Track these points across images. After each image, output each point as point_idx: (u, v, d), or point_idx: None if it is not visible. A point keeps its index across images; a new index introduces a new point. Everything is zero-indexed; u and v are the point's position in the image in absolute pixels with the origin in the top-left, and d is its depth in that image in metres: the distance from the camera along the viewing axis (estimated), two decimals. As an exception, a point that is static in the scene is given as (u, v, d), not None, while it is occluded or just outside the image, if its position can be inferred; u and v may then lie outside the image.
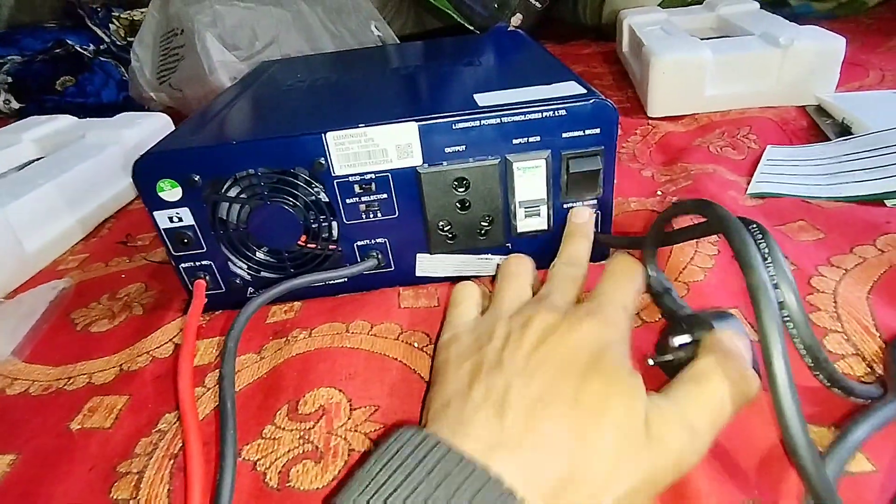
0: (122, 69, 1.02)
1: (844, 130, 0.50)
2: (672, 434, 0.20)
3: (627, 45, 0.79)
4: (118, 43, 1.06)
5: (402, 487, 0.18)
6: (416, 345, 0.31)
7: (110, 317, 0.38)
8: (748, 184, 0.44)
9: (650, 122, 0.59)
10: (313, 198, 0.34)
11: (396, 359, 0.30)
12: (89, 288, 0.42)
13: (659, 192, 0.45)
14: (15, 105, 1.00)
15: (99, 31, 1.05)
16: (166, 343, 0.34)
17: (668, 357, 0.25)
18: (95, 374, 0.32)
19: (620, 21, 0.81)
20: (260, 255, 0.36)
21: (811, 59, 0.56)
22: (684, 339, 0.25)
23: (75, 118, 0.69)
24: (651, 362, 0.26)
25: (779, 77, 0.57)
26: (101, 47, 1.04)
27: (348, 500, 0.18)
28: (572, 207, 0.34)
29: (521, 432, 0.20)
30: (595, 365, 0.22)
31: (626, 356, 0.23)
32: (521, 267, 0.32)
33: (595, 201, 0.35)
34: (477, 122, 0.32)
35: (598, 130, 0.32)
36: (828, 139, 0.50)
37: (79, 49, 1.01)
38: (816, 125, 0.53)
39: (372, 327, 0.33)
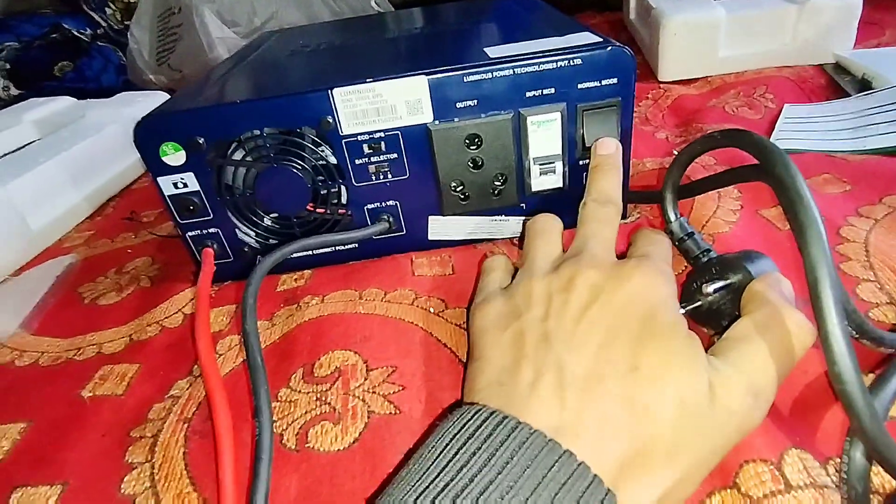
0: (121, 53, 1.00)
1: (865, 86, 0.49)
2: (737, 400, 0.19)
3: (635, 11, 0.76)
4: (115, 27, 1.04)
5: (484, 473, 0.16)
6: (431, 310, 0.30)
7: (118, 290, 0.37)
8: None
9: (662, 86, 0.58)
10: (321, 160, 0.33)
11: (413, 322, 0.29)
12: (96, 263, 0.42)
13: (675, 152, 0.43)
14: (14, 91, 0.99)
15: (95, 16, 1.04)
16: (176, 313, 0.34)
17: (698, 303, 0.24)
18: (105, 345, 0.32)
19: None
20: (268, 221, 0.35)
21: (828, 15, 0.54)
22: (718, 284, 0.24)
23: (74, 99, 0.68)
24: (682, 310, 0.25)
25: (795, 35, 0.55)
26: (99, 31, 1.02)
27: (426, 496, 0.16)
28: (598, 140, 0.32)
29: (581, 414, 0.18)
30: (650, 326, 0.21)
31: (680, 314, 0.22)
32: (550, 223, 0.30)
33: (612, 157, 0.33)
34: (489, 75, 0.30)
35: (615, 80, 0.31)
36: (847, 96, 0.48)
37: (76, 33, 0.99)
38: (835, 83, 0.51)
39: (385, 294, 0.32)
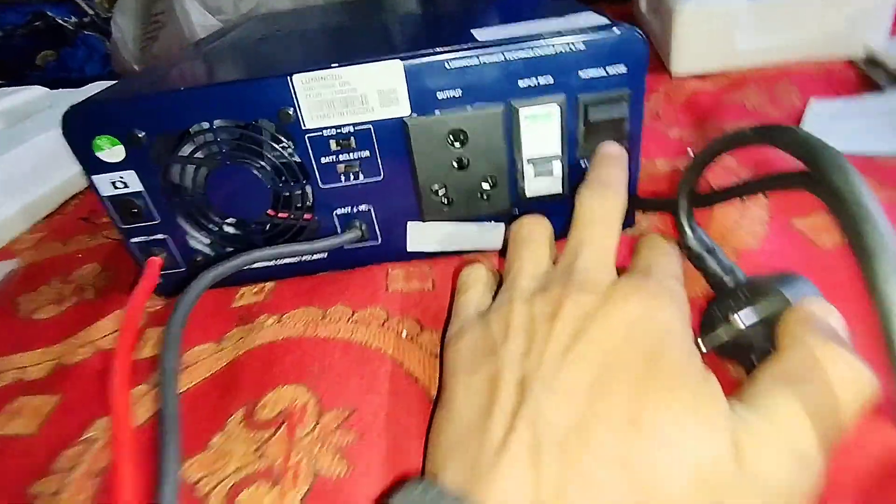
0: (108, 42, 0.96)
1: (902, 81, 0.44)
2: (774, 464, 0.14)
3: (646, 1, 0.72)
4: (102, 15, 1.00)
5: None
6: (404, 334, 0.26)
7: (58, 301, 0.33)
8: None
9: (674, 80, 0.53)
10: (282, 158, 0.28)
11: (380, 350, 0.25)
12: (41, 269, 0.37)
13: (690, 152, 0.38)
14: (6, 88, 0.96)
15: (82, 3, 1.00)
16: (114, 332, 0.29)
17: (722, 337, 0.20)
18: (29, 369, 0.28)
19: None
20: (224, 227, 0.31)
21: (859, 2, 0.49)
22: (750, 314, 0.19)
23: (46, 89, 0.64)
24: (703, 349, 0.21)
25: (821, 24, 0.50)
26: (85, 20, 0.98)
27: None
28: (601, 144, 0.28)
29: (562, 488, 0.14)
30: (654, 365, 0.16)
31: (692, 346, 0.18)
32: (537, 229, 0.25)
33: (619, 158, 0.29)
34: (476, 60, 0.26)
35: (623, 69, 0.26)
36: (880, 91, 0.43)
37: (61, 21, 0.95)
38: (866, 76, 0.47)
39: (353, 313, 0.28)
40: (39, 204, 0.47)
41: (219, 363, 0.26)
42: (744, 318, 0.19)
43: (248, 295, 0.31)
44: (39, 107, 0.58)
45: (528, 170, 0.28)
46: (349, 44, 0.32)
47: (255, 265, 0.31)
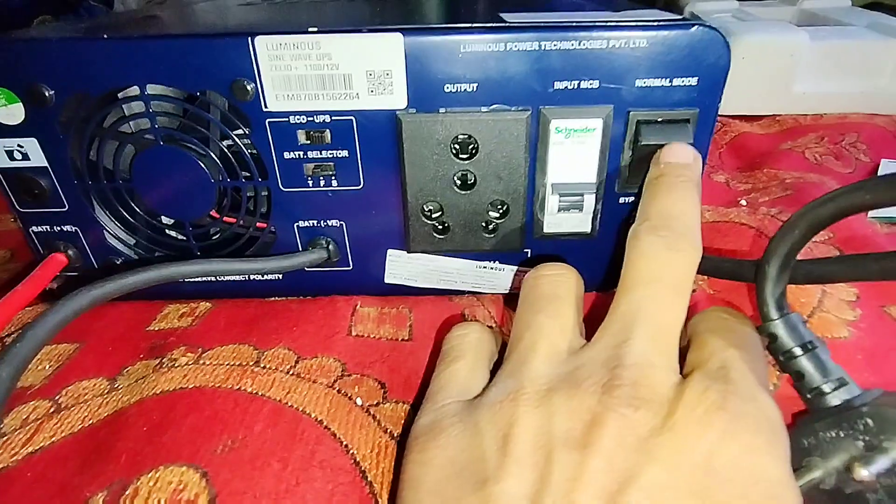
0: (110, 12, 0.91)
1: None
2: None
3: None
4: (111, -14, 0.95)
5: None
6: (358, 401, 0.19)
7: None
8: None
9: (719, 118, 0.47)
10: (233, 145, 0.22)
11: (322, 422, 0.18)
12: (-60, 249, 0.30)
13: (743, 202, 0.32)
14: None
15: (91, -29, 0.95)
16: (8, 336, 0.22)
17: (822, 481, 0.13)
18: None
19: (682, 9, 0.69)
20: (155, 225, 0.24)
21: (940, 57, 0.43)
22: (882, 462, 0.12)
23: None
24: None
25: (894, 77, 0.44)
26: (91, -12, 0.93)
27: None
28: (668, 146, 0.20)
29: None
30: None
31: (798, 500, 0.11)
32: (563, 285, 0.18)
33: (671, 198, 0.22)
34: (501, 45, 0.19)
35: (694, 80, 0.20)
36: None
37: (65, -13, 0.90)
38: (944, 141, 0.40)
39: (297, 362, 0.21)
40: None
41: (100, 411, 0.19)
42: (872, 468, 0.12)
43: (172, 316, 0.24)
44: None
45: (552, 200, 0.22)
46: (339, 14, 0.26)
47: (193, 280, 0.24)
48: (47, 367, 0.21)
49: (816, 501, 0.14)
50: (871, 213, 0.31)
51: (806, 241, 0.16)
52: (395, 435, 0.18)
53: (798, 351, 0.16)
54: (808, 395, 0.15)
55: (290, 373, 0.20)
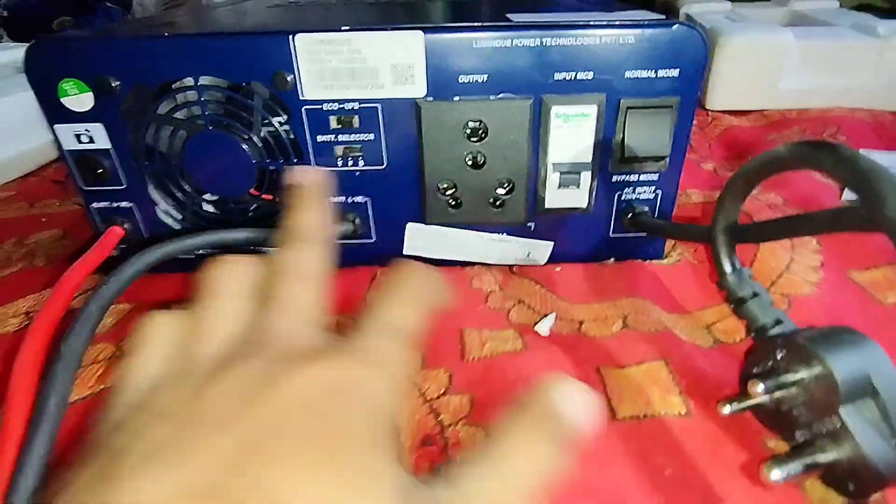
0: (128, 15, 0.95)
1: (961, 140, 0.40)
2: None
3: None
4: (127, -11, 0.99)
5: None
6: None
7: (4, 265, 0.29)
8: (842, 191, 0.34)
9: (710, 113, 0.50)
10: (273, 129, 0.25)
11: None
12: (-2, 229, 0.34)
13: (728, 187, 0.35)
14: (9, 42, 0.93)
15: (108, -26, 0.98)
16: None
17: (757, 400, 0.16)
18: (-55, 336, 0.24)
19: (677, 11, 0.72)
20: (202, 203, 0.27)
21: (917, 55, 0.46)
22: (772, 382, 0.16)
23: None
24: (728, 409, 0.17)
25: (875, 73, 0.47)
26: (109, -9, 0.97)
27: None
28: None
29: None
30: (324, 438, 0.12)
31: (385, 425, 0.13)
32: (233, 272, 0.16)
33: (656, 175, 0.25)
34: (507, 42, 0.22)
35: (675, 72, 0.23)
36: (937, 149, 0.40)
37: (83, -11, 0.93)
38: (920, 133, 0.43)
39: (331, 314, 0.24)
40: (15, 162, 0.43)
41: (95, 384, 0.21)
42: (761, 387, 0.16)
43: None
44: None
45: (553, 177, 0.25)
46: (369, 15, 0.29)
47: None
48: (108, 322, 0.24)
49: (763, 417, 0.17)
50: (844, 196, 0.34)
51: (738, 207, 0.19)
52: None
53: (746, 297, 0.19)
54: (755, 332, 0.18)
55: (325, 326, 0.23)
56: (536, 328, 0.23)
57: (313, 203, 0.19)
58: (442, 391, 0.20)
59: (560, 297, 0.25)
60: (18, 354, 0.17)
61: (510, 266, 0.28)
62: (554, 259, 0.28)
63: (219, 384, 0.13)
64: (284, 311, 0.15)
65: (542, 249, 0.27)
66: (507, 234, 0.27)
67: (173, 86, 0.24)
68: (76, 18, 0.91)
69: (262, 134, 0.25)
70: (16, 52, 0.57)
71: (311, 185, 0.20)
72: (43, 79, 0.23)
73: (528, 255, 0.28)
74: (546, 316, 0.24)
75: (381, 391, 0.13)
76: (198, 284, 0.16)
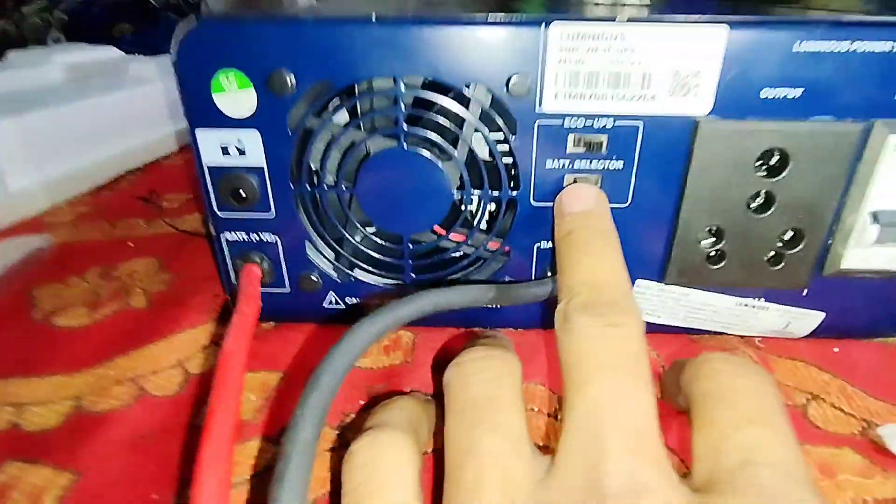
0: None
1: None
2: None
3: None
4: (191, 1, 0.96)
5: None
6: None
7: (92, 304, 0.23)
8: None
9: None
10: (487, 151, 0.18)
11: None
12: (76, 254, 0.28)
13: None
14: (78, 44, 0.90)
15: (170, -16, 0.95)
16: (173, 367, 0.19)
17: None
18: (32, 410, 0.17)
19: None
20: (362, 240, 0.20)
21: None
22: None
23: (120, 52, 0.56)
24: None
25: None
26: (172, 1, 0.94)
27: None
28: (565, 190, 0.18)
29: None
30: None
31: None
32: (500, 379, 0.13)
33: None
34: (843, 46, 0.16)
35: None
36: None
37: (146, -3, 0.90)
38: None
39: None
40: (88, 172, 0.38)
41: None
42: None
43: (375, 353, 0.20)
44: (109, 68, 0.51)
45: (870, 230, 0.18)
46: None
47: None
48: (251, 401, 0.18)
49: None
50: None
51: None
52: None
53: None
54: None
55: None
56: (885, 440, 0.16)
57: (600, 241, 0.16)
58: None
59: (870, 395, 0.18)
60: (200, 454, 0.11)
61: (752, 337, 0.21)
62: (818, 333, 0.21)
63: None
64: (617, 421, 0.11)
65: (808, 321, 0.21)
66: (766, 301, 0.20)
67: (358, 87, 0.18)
68: (138, 27, 0.88)
69: (469, 155, 0.19)
70: (90, 54, 0.53)
71: (590, 212, 0.17)
72: (196, 68, 0.17)
73: (787, 327, 0.21)
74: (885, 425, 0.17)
75: None
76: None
